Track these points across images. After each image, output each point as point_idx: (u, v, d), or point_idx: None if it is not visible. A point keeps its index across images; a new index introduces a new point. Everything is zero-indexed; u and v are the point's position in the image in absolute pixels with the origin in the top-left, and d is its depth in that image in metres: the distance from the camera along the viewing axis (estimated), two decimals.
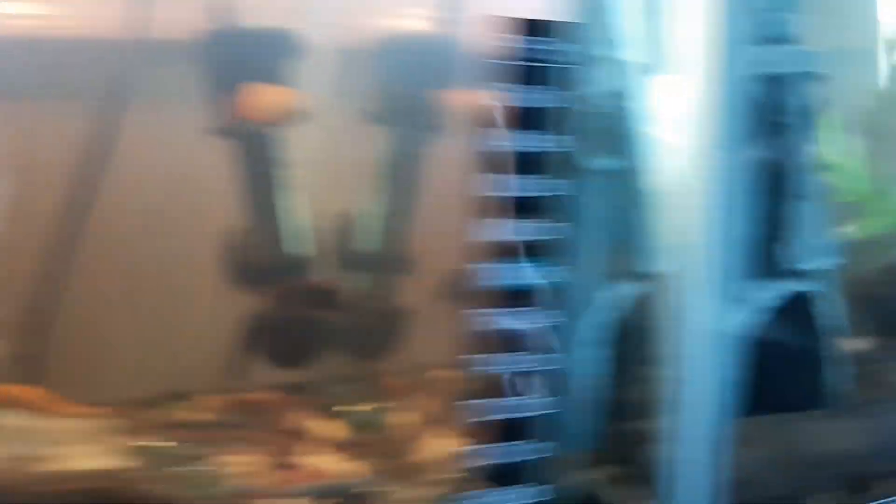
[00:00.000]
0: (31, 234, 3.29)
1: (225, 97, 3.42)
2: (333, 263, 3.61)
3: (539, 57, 2.08)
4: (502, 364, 2.01)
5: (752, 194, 2.60)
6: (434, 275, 3.32)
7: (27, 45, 3.21)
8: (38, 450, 2.61)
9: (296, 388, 3.34)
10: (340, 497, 2.60)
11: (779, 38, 2.77)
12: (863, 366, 3.42)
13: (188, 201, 3.41)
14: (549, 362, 2.10)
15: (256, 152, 3.51)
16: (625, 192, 2.37)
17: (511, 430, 2.05)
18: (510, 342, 2.04)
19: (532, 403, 2.05)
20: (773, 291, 2.67)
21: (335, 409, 3.17)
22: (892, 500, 2.63)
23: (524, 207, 2.03)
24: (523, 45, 2.05)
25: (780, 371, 2.68)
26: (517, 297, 2.05)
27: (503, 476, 2.07)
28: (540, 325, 2.06)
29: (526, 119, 2.05)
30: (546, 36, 2.10)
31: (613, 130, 2.38)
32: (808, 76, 2.87)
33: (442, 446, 2.69)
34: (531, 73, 2.07)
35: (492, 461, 2.04)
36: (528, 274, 2.03)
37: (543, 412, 2.08)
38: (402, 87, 3.60)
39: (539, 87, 2.08)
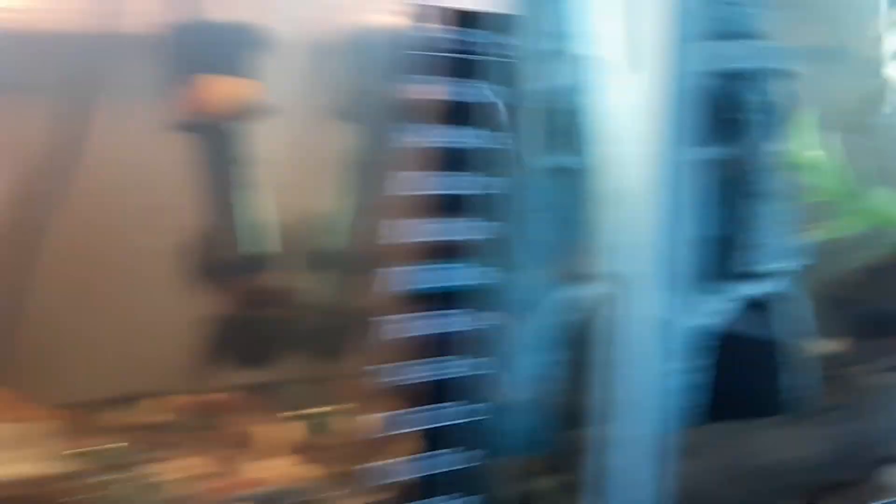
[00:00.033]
0: None
1: (185, 90, 3.35)
2: (297, 262, 3.54)
3: (477, 50, 2.00)
4: (430, 369, 1.92)
5: (707, 193, 2.52)
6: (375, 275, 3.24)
7: None
8: None
9: (254, 389, 3.28)
10: None
11: (739, 34, 2.69)
12: (835, 369, 3.34)
13: (149, 198, 3.34)
14: (483, 367, 2.01)
15: (217, 147, 3.44)
16: (574, 191, 2.28)
17: (440, 438, 1.96)
18: (440, 346, 1.95)
19: (463, 410, 1.96)
20: (733, 294, 2.60)
21: (292, 412, 3.10)
22: (893, 501, 2.55)
23: (456, 206, 1.94)
24: (461, 38, 1.97)
25: (739, 377, 2.60)
26: (448, 299, 1.96)
27: (434, 485, 1.98)
28: (473, 329, 1.97)
29: (460, 114, 1.96)
30: (486, 28, 2.01)
31: (564, 127, 2.30)
32: (771, 72, 2.79)
33: (387, 453, 2.61)
34: (468, 66, 1.98)
35: (421, 471, 1.95)
36: (459, 275, 1.94)
37: (475, 419, 1.99)
38: (350, 81, 3.52)
39: (477, 80, 1.99)
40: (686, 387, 2.36)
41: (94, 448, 2.69)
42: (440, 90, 1.96)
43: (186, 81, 3.36)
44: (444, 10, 1.97)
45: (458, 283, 1.99)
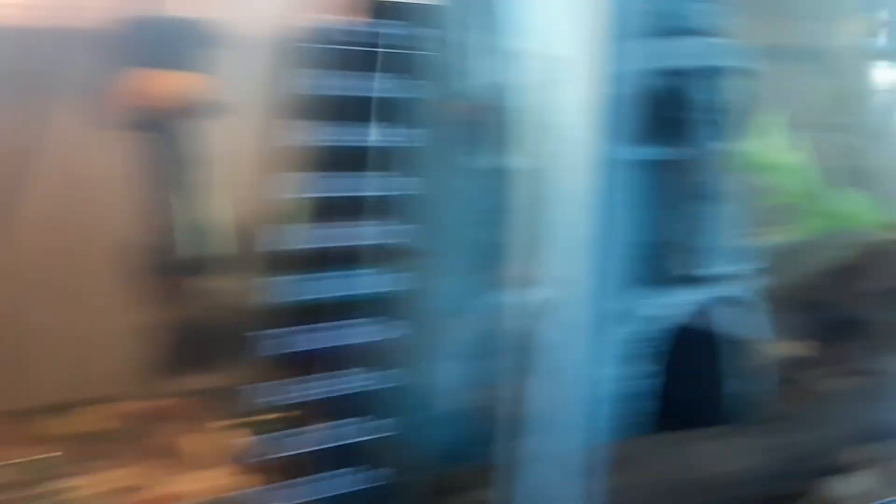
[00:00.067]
0: None
1: (129, 85, 3.26)
2: (243, 265, 3.45)
3: (397, 43, 1.88)
4: (331, 384, 1.80)
5: (651, 195, 2.44)
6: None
7: None
8: None
9: (198, 395, 3.18)
10: None
11: (687, 30, 2.61)
12: (793, 374, 3.26)
13: (91, 198, 3.25)
14: (386, 380, 1.88)
15: (163, 145, 3.35)
16: (504, 192, 2.19)
17: (336, 456, 1.83)
18: (343, 359, 1.83)
19: (368, 426, 1.85)
20: (678, 298, 2.51)
21: (234, 419, 3.00)
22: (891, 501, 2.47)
23: (363, 208, 1.83)
24: (380, 31, 1.85)
25: (685, 384, 2.52)
26: (352, 308, 1.84)
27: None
28: (381, 339, 1.85)
29: (372, 110, 1.83)
30: (409, 21, 1.90)
31: (494, 126, 2.20)
32: (722, 71, 2.70)
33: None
34: (385, 60, 1.85)
35: (322, 492, 1.83)
36: (364, 282, 1.82)
37: (377, 436, 1.86)
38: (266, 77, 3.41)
39: (395, 76, 1.86)
40: (623, 395, 2.28)
41: (23, 459, 2.60)
42: (352, 85, 1.85)
43: (131, 76, 3.27)
44: (365, 1, 1.85)
45: (363, 290, 1.87)
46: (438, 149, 2.09)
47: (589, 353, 2.12)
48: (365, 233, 1.83)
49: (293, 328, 1.75)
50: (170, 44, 3.40)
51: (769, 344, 2.92)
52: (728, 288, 2.68)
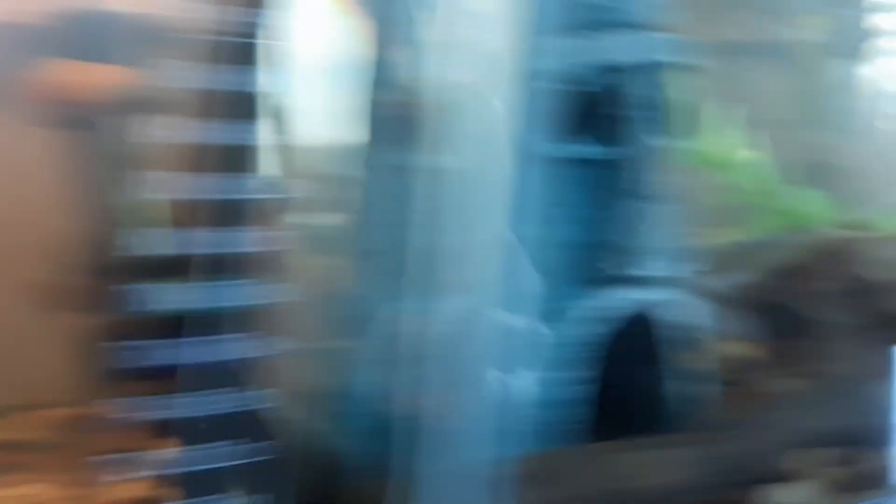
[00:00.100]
0: None
1: (50, 80, 3.15)
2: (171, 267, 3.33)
3: (267, 34, 1.72)
4: (199, 402, 1.63)
5: (582, 193, 2.35)
6: None
7: None
8: None
9: (129, 402, 3.07)
10: None
11: (625, 25, 2.52)
12: (743, 375, 3.18)
13: (17, 198, 3.15)
14: (260, 401, 1.70)
15: (90, 142, 3.23)
16: (425, 192, 2.08)
17: (216, 480, 1.66)
18: (213, 376, 1.65)
19: (243, 449, 1.67)
20: (611, 300, 2.42)
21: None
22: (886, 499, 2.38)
23: (236, 212, 1.66)
24: (248, 20, 1.69)
25: (619, 390, 2.43)
26: (224, 321, 1.70)
27: None
28: (257, 355, 1.67)
29: (236, 106, 1.66)
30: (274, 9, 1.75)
31: (417, 122, 2.09)
32: (662, 66, 2.62)
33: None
34: (252, 51, 1.68)
35: None
36: (239, 294, 1.65)
37: (250, 460, 1.68)
38: None
39: (258, 67, 1.70)
40: (553, 402, 2.18)
41: None
42: (214, 79, 1.70)
43: (57, 70, 3.16)
44: None
45: (237, 302, 1.69)
46: (362, 147, 1.98)
47: (510, 359, 2.01)
48: (239, 239, 1.69)
49: (156, 340, 1.63)
50: (97, 38, 3.29)
51: (712, 346, 2.83)
52: (667, 289, 2.59)
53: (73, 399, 3.07)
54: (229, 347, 1.67)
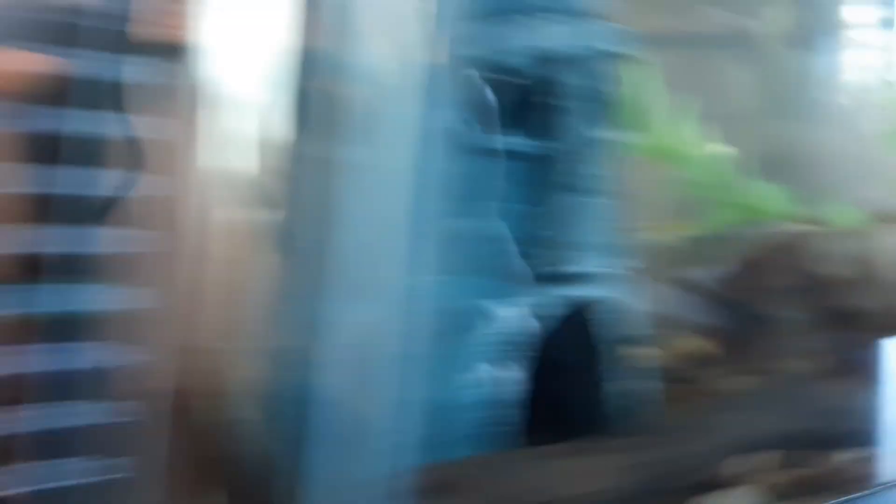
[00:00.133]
0: None
1: None
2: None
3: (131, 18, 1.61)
4: (42, 416, 1.48)
5: (511, 187, 2.25)
6: None
7: None
8: None
9: None
10: None
11: (559, 12, 2.42)
12: (691, 374, 3.09)
13: None
14: (117, 413, 1.56)
15: None
16: (338, 186, 1.97)
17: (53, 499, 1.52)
18: (59, 387, 1.52)
19: (91, 466, 1.53)
20: (543, 298, 2.33)
21: None
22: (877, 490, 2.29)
23: (85, 210, 1.56)
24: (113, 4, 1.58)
25: (551, 393, 2.34)
26: (72, 327, 1.54)
27: None
28: (109, 366, 1.54)
29: (91, 94, 1.54)
30: None
31: (329, 113, 1.99)
32: (599, 56, 2.52)
33: None
34: (111, 36, 1.56)
35: None
36: (89, 297, 1.52)
37: (106, 478, 1.55)
38: None
39: (126, 54, 1.59)
40: (474, 406, 2.09)
41: None
42: (61, 63, 1.57)
43: None
44: None
45: (86, 306, 1.55)
46: (290, 139, 1.87)
47: (433, 360, 1.91)
48: (95, 239, 1.57)
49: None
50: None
51: (655, 345, 2.74)
52: (605, 286, 2.50)
53: None
54: (82, 356, 1.55)
